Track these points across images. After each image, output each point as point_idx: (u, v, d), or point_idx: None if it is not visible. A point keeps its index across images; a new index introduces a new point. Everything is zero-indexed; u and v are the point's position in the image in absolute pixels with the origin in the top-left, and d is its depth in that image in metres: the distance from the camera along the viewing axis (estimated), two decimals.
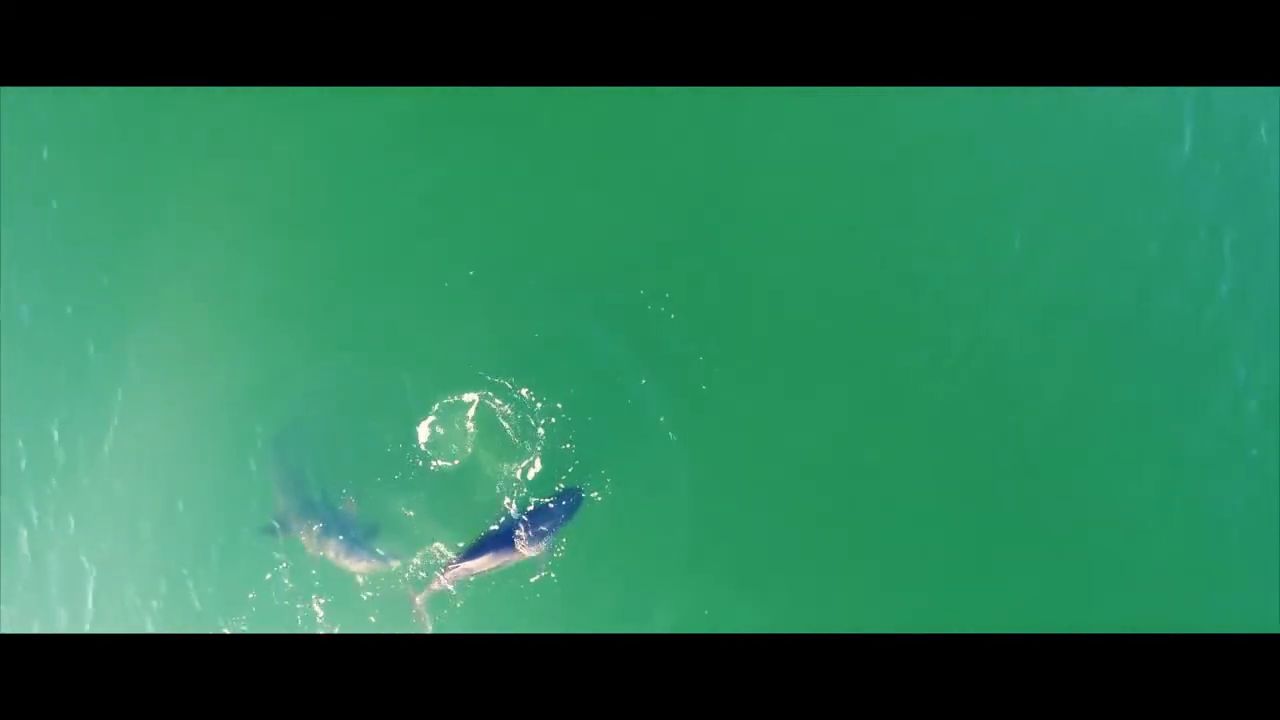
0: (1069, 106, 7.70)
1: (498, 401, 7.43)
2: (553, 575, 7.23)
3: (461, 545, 7.19)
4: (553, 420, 7.38)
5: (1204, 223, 7.59)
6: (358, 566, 7.29)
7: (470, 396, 7.45)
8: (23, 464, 7.88)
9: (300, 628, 7.39)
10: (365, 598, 7.36)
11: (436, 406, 7.47)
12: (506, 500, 7.29)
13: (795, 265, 7.66)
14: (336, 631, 7.41)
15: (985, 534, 7.44)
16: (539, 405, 7.39)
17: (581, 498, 7.16)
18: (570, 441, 7.36)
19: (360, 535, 7.35)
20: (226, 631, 7.49)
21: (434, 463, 7.44)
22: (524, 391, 7.42)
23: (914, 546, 7.41)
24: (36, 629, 7.86)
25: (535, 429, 7.38)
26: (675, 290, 7.53)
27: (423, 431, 7.47)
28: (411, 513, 7.42)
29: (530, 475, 7.34)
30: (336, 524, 7.38)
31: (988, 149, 7.77)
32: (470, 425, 7.43)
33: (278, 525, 7.43)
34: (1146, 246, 7.59)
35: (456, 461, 7.42)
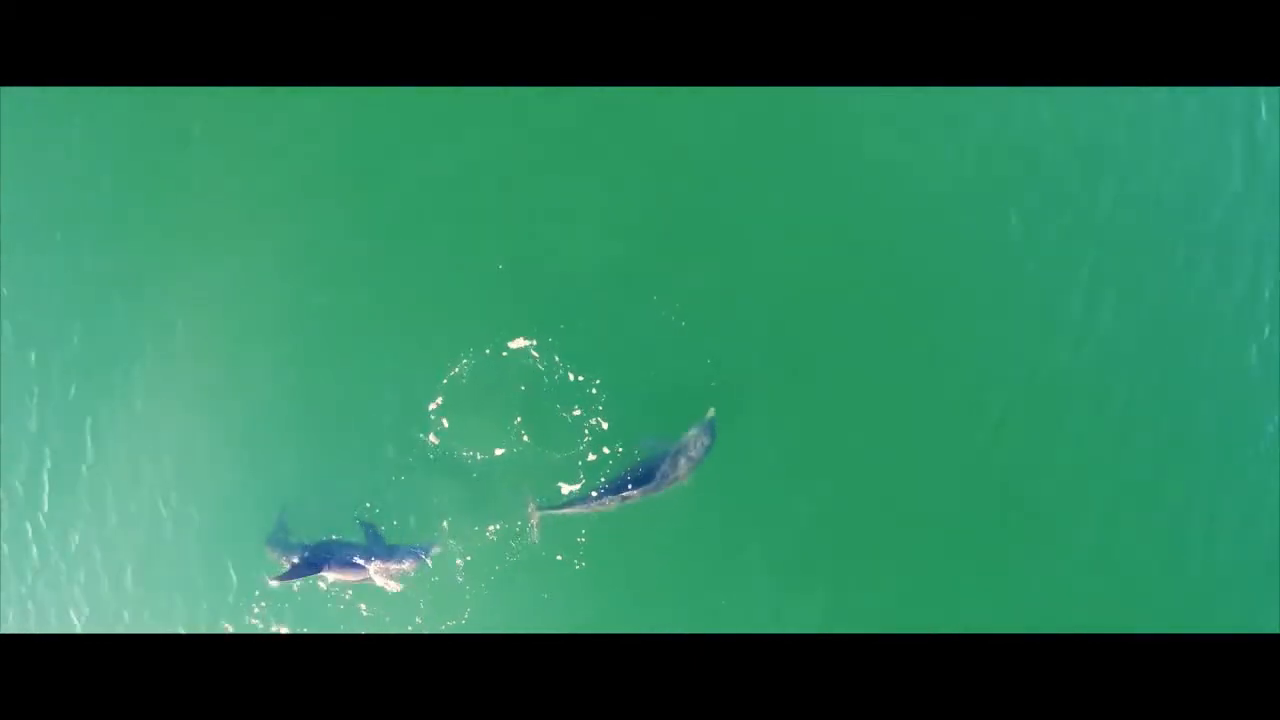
0: (1136, 146, 7.78)
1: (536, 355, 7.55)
2: (581, 564, 7.41)
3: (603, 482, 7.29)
4: (593, 390, 7.51)
5: (1250, 257, 7.61)
6: (386, 577, 7.23)
7: (520, 343, 7.58)
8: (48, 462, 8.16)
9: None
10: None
11: (467, 363, 7.59)
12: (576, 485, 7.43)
13: (830, 280, 7.68)
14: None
15: (1006, 538, 7.52)
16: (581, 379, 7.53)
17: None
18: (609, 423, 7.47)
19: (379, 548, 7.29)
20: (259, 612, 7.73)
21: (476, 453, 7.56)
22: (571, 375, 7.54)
23: (941, 552, 7.49)
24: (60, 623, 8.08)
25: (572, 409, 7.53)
26: (687, 294, 7.58)
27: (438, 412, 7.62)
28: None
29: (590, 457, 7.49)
30: (341, 553, 7.29)
31: (1059, 181, 7.75)
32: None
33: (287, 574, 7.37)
34: (1195, 277, 7.62)
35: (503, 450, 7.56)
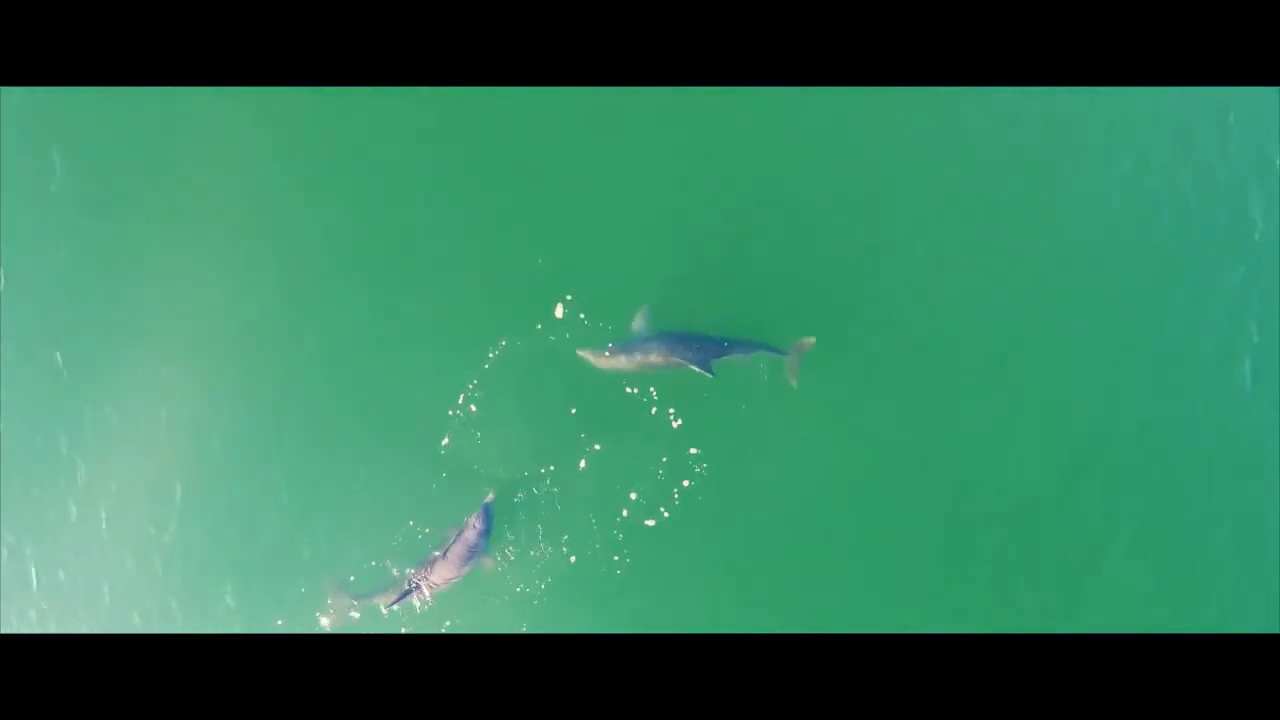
0: None
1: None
2: (626, 561, 7.49)
3: None
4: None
5: None
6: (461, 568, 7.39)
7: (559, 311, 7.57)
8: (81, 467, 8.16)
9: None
10: None
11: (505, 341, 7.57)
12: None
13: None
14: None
15: (1008, 539, 7.57)
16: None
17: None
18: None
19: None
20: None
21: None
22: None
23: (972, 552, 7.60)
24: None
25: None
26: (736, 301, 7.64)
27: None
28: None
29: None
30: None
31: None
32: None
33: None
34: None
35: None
